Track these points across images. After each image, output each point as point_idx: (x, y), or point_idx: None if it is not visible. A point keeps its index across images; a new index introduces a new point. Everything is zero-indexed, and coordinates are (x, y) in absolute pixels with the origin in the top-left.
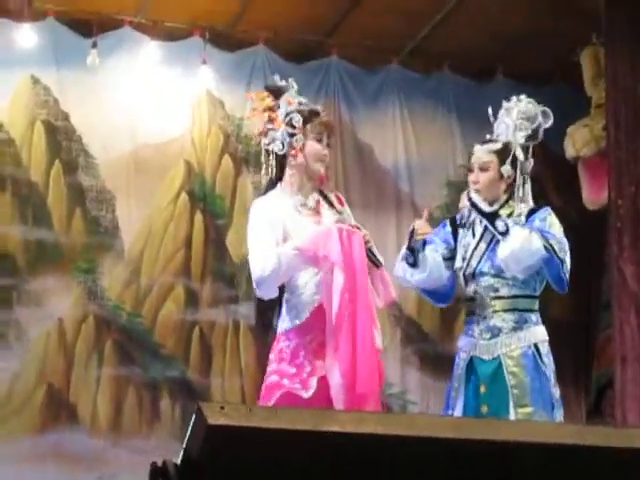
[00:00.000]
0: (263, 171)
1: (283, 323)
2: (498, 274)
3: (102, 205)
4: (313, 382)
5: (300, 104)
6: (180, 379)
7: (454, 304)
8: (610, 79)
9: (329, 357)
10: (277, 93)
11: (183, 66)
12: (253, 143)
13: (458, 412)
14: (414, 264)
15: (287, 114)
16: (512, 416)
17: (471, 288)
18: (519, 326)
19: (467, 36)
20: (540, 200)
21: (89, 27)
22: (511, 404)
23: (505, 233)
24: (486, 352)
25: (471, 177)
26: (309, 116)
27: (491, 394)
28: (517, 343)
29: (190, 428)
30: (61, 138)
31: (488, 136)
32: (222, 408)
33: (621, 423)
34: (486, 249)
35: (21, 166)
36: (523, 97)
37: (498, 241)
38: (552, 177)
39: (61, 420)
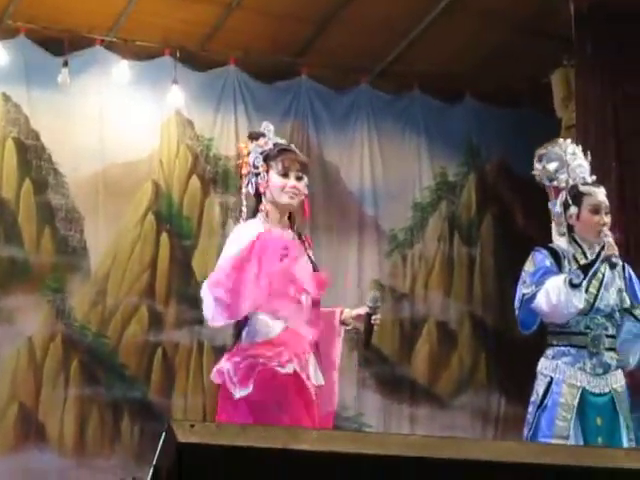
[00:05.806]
0: (241, 214)
1: (250, 337)
2: (611, 314)
3: (71, 225)
4: (291, 366)
5: (275, 145)
6: (141, 400)
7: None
8: (580, 101)
9: None
10: (258, 139)
11: (153, 86)
12: (221, 164)
13: (573, 442)
14: (578, 285)
15: (254, 158)
16: (625, 446)
17: (584, 323)
18: (618, 364)
19: (437, 57)
20: (506, 223)
21: (60, 45)
22: (624, 435)
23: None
24: (598, 386)
25: (605, 219)
26: (276, 154)
27: (606, 427)
28: (620, 380)
29: (160, 446)
30: (31, 157)
31: (593, 177)
32: (192, 426)
33: None
34: (602, 289)
35: None
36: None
37: (612, 282)
38: (519, 200)
39: (31, 439)
